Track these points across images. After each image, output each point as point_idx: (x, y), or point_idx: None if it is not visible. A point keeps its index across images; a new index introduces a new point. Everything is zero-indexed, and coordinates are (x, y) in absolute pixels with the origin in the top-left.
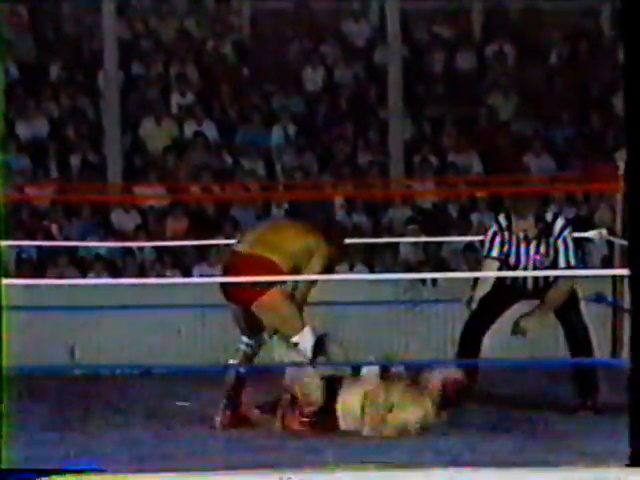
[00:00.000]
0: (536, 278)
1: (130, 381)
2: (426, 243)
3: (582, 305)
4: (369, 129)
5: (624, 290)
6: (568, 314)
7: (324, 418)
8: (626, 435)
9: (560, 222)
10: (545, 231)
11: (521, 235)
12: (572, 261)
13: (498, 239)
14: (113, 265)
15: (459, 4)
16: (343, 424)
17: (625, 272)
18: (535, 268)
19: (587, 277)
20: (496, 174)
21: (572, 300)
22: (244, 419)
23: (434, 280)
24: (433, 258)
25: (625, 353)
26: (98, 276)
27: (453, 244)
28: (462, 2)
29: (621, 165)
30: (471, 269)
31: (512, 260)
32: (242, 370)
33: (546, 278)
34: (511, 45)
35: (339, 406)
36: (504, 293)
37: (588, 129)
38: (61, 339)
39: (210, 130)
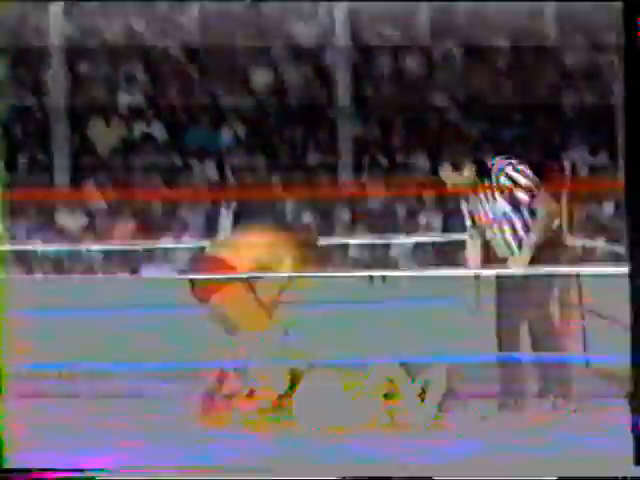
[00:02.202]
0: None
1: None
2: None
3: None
4: (318, 130)
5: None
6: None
7: (281, 412)
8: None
9: (498, 162)
10: (485, 172)
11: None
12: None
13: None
14: (60, 265)
15: (406, 7)
16: (300, 419)
17: (624, 270)
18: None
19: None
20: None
21: (545, 297)
22: (221, 411)
23: (383, 278)
24: (382, 257)
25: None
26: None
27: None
28: (409, 5)
29: (567, 165)
30: (419, 267)
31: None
32: (226, 365)
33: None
34: (458, 47)
35: (297, 400)
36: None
37: (536, 129)
38: None
39: (159, 130)
